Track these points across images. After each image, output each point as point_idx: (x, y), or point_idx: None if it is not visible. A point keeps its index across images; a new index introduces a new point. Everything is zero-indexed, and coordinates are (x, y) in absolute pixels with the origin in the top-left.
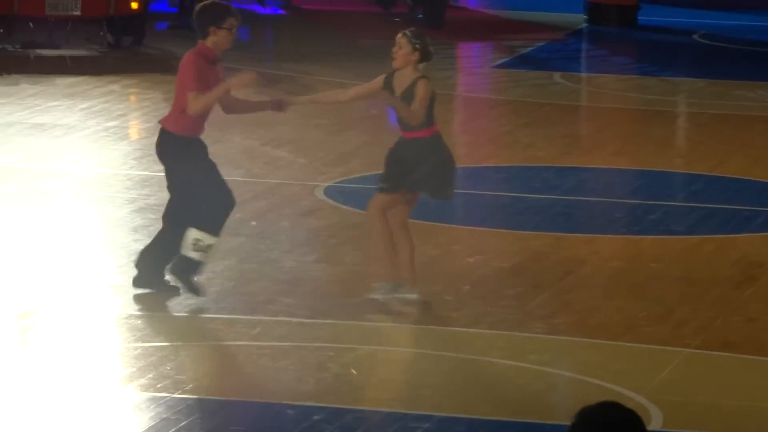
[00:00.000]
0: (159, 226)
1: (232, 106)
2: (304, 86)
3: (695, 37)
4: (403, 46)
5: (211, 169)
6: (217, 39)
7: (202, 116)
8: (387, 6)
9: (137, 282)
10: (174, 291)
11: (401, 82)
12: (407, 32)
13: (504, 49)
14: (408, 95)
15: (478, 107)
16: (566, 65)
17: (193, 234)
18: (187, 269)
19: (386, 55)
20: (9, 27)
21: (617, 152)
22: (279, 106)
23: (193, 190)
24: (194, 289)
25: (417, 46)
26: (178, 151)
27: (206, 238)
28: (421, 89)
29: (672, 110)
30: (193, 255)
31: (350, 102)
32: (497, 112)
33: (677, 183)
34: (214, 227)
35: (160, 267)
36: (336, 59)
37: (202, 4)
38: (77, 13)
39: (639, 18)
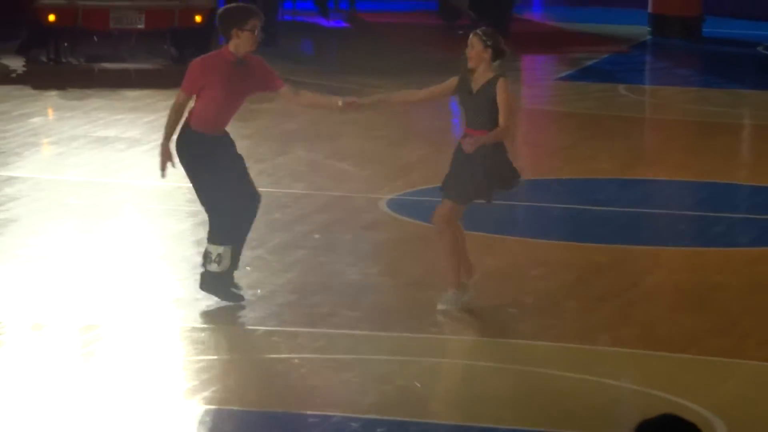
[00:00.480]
0: None
1: (302, 99)
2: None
3: (760, 49)
4: (475, 45)
5: (226, 169)
6: (239, 41)
7: (217, 114)
8: (451, 19)
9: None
10: (239, 299)
11: (477, 81)
12: (478, 31)
13: (568, 62)
14: (484, 93)
15: (542, 119)
16: (630, 77)
17: (205, 248)
18: (214, 282)
19: (449, 69)
20: (73, 40)
21: (681, 165)
22: (350, 106)
23: (210, 190)
24: (232, 298)
25: (489, 43)
26: (189, 145)
27: (214, 249)
28: (502, 92)
29: (736, 122)
30: (211, 268)
31: (420, 102)
32: (561, 125)
33: (741, 195)
34: (219, 236)
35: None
36: (400, 72)
37: (224, 7)
38: (141, 26)
39: (703, 30)
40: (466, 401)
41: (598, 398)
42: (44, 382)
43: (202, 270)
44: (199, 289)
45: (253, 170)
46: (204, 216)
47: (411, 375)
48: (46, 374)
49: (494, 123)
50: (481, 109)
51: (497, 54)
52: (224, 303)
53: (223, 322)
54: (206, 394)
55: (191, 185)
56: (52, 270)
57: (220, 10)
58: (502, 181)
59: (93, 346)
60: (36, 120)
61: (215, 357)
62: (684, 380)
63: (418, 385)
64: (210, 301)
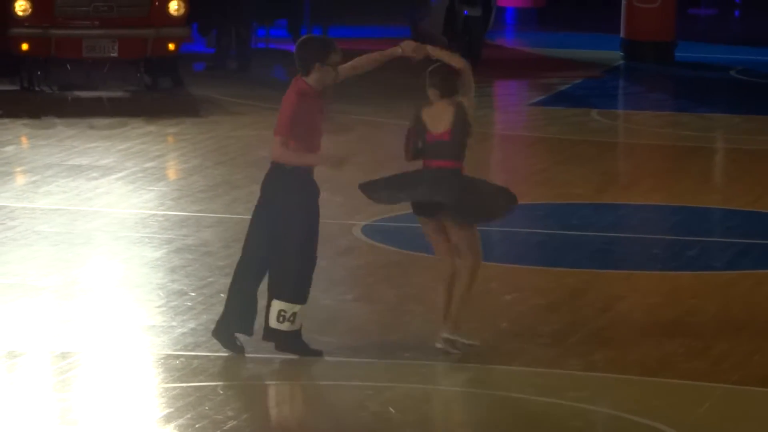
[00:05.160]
0: (197, 266)
1: (360, 68)
2: (341, 124)
3: (732, 73)
4: (429, 86)
5: (313, 219)
6: (320, 75)
7: (315, 135)
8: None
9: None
10: (240, 350)
11: (435, 115)
12: (428, 71)
13: (540, 87)
14: (457, 122)
15: (515, 145)
16: (603, 102)
17: (276, 306)
18: (289, 341)
19: (421, 94)
20: (46, 69)
21: (654, 188)
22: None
23: (302, 236)
24: (313, 353)
25: (434, 83)
26: (289, 183)
27: (290, 308)
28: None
29: (709, 146)
30: (283, 327)
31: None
32: (534, 150)
33: (714, 219)
34: (296, 294)
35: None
36: (374, 98)
37: (304, 38)
38: (114, 54)
39: (676, 54)
40: (441, 427)
41: (573, 423)
42: (19, 410)
43: (267, 326)
44: (276, 350)
45: (228, 197)
46: (180, 243)
47: (386, 401)
48: (21, 402)
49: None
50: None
51: (445, 92)
52: (194, 330)
53: (197, 349)
54: (181, 421)
55: (281, 228)
56: (27, 298)
57: (300, 41)
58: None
59: (69, 374)
60: (9, 149)
61: (190, 384)
62: (658, 404)
63: (393, 411)
64: (184, 329)
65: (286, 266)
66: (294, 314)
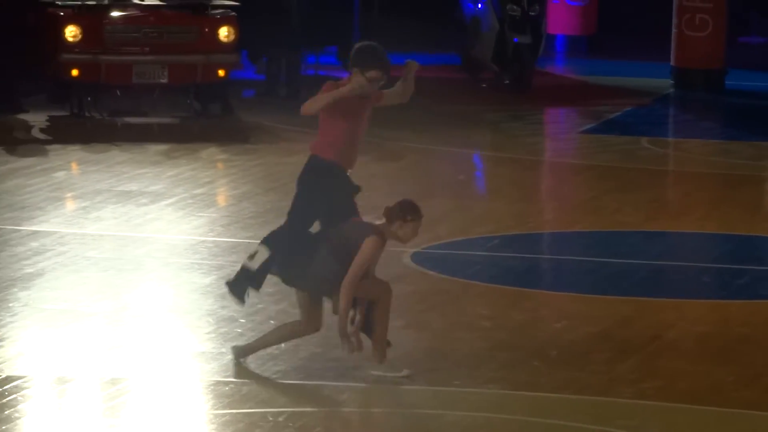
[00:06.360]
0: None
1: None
2: (392, 151)
3: None
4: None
5: (338, 211)
6: (355, 81)
7: (344, 141)
8: (474, 72)
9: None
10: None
11: None
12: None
13: (590, 114)
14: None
15: (565, 172)
16: (653, 130)
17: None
18: (238, 276)
19: (473, 121)
20: (96, 95)
21: (704, 217)
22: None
23: (303, 221)
24: (239, 294)
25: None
26: (314, 171)
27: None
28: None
29: (758, 175)
30: (245, 263)
31: None
32: (584, 177)
33: (764, 247)
34: (270, 238)
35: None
36: (424, 126)
37: (366, 42)
38: (164, 80)
39: (726, 82)
40: None
41: None
42: None
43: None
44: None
45: (278, 224)
46: (229, 269)
47: (434, 429)
48: (70, 429)
49: None
50: None
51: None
52: (249, 358)
53: (248, 375)
54: None
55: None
56: (77, 324)
57: (360, 43)
58: None
59: (118, 400)
60: (59, 174)
61: (240, 411)
62: None
63: None
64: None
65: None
66: (255, 252)
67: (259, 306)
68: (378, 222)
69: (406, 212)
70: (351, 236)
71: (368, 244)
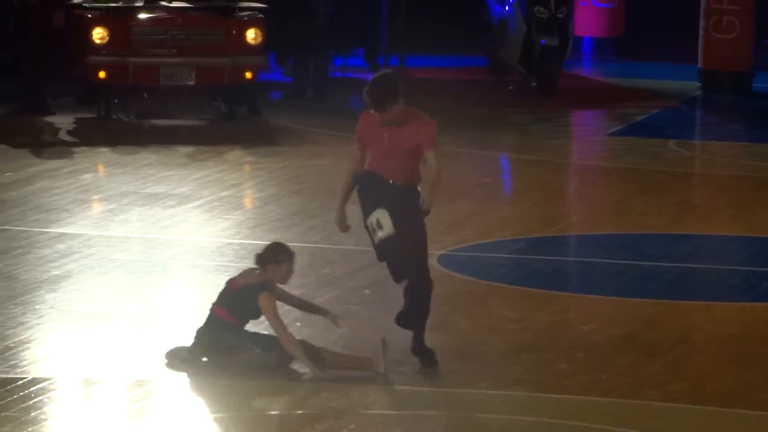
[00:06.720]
0: None
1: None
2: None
3: None
4: None
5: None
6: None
7: (379, 154)
8: (500, 74)
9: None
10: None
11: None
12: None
13: (617, 117)
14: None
15: (592, 175)
16: (680, 133)
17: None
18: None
19: (499, 123)
20: (123, 97)
21: (731, 219)
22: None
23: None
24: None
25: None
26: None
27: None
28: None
29: None
30: (379, 235)
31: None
32: (611, 180)
33: None
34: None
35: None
36: (450, 127)
37: (378, 77)
38: (191, 82)
39: (753, 85)
40: None
41: None
42: None
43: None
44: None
45: (304, 226)
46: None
47: (464, 430)
48: (97, 431)
49: None
50: None
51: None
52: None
53: (272, 376)
54: None
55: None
56: (104, 326)
57: (375, 77)
58: None
59: (144, 402)
60: (86, 176)
61: (265, 412)
62: None
63: None
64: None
65: None
66: (377, 220)
67: (285, 307)
68: (256, 273)
69: (276, 254)
70: (248, 303)
71: (262, 304)
